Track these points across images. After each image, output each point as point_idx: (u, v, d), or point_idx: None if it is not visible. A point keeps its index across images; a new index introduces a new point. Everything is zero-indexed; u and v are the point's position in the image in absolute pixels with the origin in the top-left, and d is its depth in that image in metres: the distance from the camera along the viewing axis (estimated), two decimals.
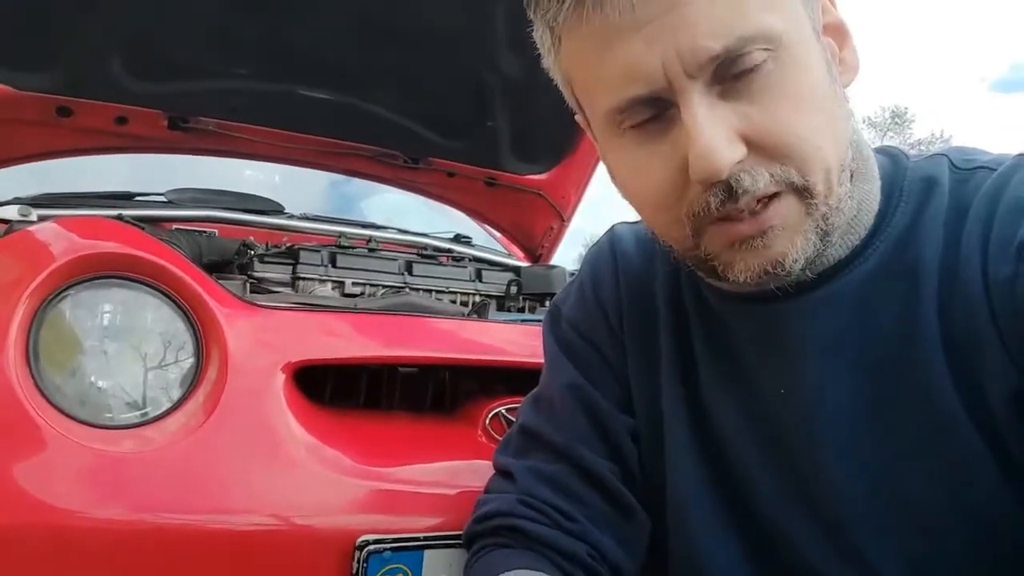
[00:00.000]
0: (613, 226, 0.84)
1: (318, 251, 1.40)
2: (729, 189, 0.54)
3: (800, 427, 0.64)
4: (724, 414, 0.70)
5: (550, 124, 1.81)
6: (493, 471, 0.79)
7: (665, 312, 0.74)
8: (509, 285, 1.56)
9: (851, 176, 0.61)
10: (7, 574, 0.73)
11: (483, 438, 0.99)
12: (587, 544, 0.71)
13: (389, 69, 1.73)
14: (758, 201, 0.55)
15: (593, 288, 0.80)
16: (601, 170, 0.69)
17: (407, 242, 1.77)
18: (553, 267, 1.69)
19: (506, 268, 1.73)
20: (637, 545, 0.75)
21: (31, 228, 0.97)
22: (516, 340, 1.06)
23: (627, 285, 0.78)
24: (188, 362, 0.89)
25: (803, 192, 0.56)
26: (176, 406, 0.86)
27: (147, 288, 0.90)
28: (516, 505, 0.72)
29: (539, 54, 0.64)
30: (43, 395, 0.80)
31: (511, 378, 1.05)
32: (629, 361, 0.77)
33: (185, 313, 0.90)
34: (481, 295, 1.52)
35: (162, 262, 0.91)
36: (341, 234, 1.58)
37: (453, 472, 0.92)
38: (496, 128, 1.88)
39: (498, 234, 2.27)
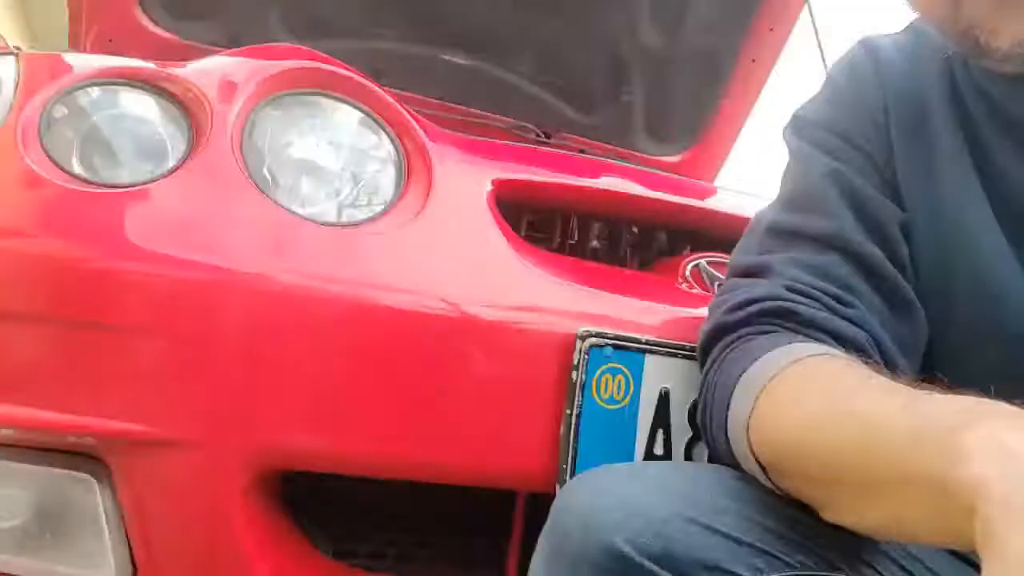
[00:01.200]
0: (861, 39, 0.79)
1: None
2: None
3: None
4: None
5: (687, 103, 1.80)
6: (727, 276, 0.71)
7: (940, 105, 0.68)
8: None
9: None
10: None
11: (684, 286, 0.92)
12: (867, 334, 0.62)
13: (528, 35, 1.75)
14: None
15: (851, 89, 0.73)
16: None
17: None
18: None
19: None
20: (916, 347, 0.66)
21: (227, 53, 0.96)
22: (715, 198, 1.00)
23: (892, 85, 0.71)
24: (391, 173, 0.86)
25: None
26: (388, 207, 0.82)
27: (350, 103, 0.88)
28: (782, 290, 0.63)
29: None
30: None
31: (703, 238, 0.99)
32: (897, 157, 0.69)
33: (387, 132, 0.88)
34: None
35: (367, 83, 0.90)
36: None
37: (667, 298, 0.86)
38: (631, 104, 1.87)
39: None
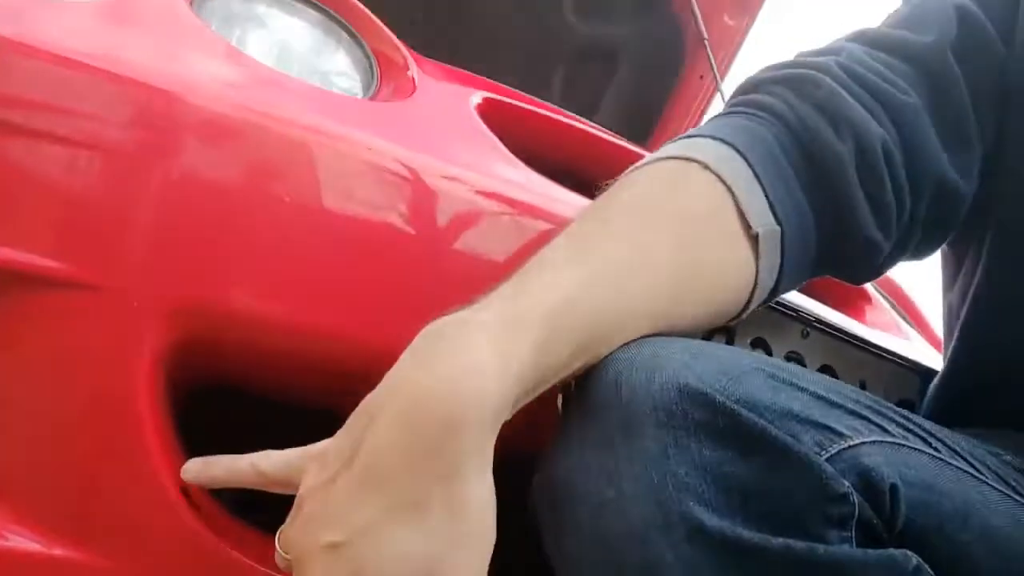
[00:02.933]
0: None
1: None
2: None
3: None
4: None
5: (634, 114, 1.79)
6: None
7: None
8: None
9: None
10: None
11: None
12: (896, 137, 0.55)
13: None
14: None
15: None
16: None
17: None
18: None
19: None
20: (968, 175, 0.60)
21: None
22: None
23: None
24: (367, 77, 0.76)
25: None
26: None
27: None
28: (832, 64, 0.55)
29: None
30: None
31: None
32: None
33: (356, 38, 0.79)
34: None
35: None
36: None
37: None
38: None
39: None
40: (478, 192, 0.62)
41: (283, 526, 0.42)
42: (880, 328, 0.98)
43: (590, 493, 0.40)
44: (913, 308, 1.26)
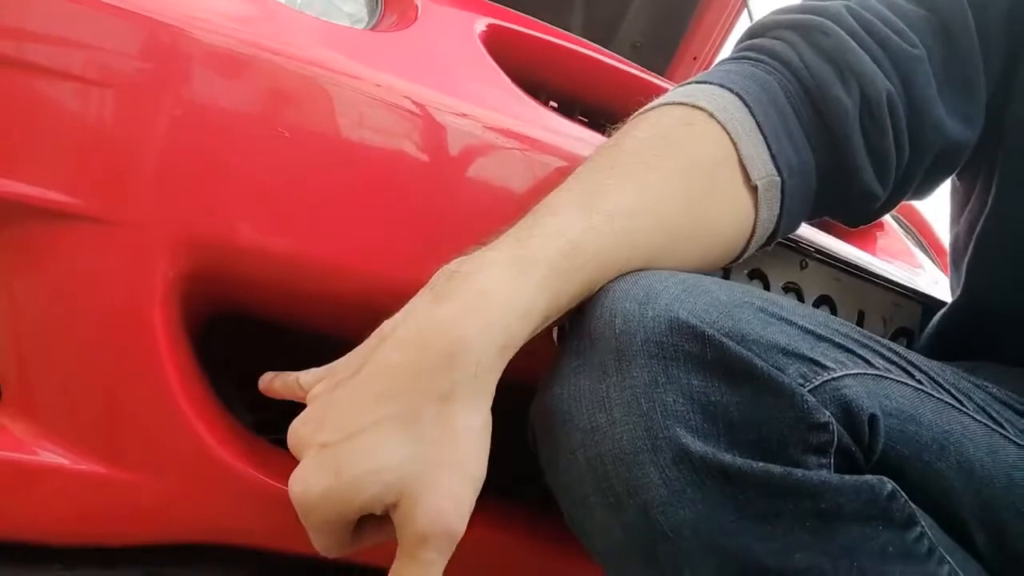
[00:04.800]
0: None
1: None
2: None
3: None
4: None
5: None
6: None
7: None
8: None
9: None
10: None
11: None
12: (899, 87, 0.56)
13: None
14: None
15: None
16: None
17: None
18: None
19: None
20: (971, 122, 0.60)
21: None
22: None
23: None
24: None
25: None
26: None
27: None
28: (841, 9, 0.56)
29: None
30: None
31: None
32: None
33: None
34: None
35: None
36: None
37: None
38: None
39: None
40: (479, 126, 0.63)
41: (291, 423, 0.44)
42: (892, 256, 0.98)
43: (583, 418, 0.42)
44: (932, 236, 1.25)
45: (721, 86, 0.52)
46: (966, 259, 0.69)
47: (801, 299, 0.72)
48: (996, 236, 0.66)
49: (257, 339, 0.70)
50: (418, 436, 0.39)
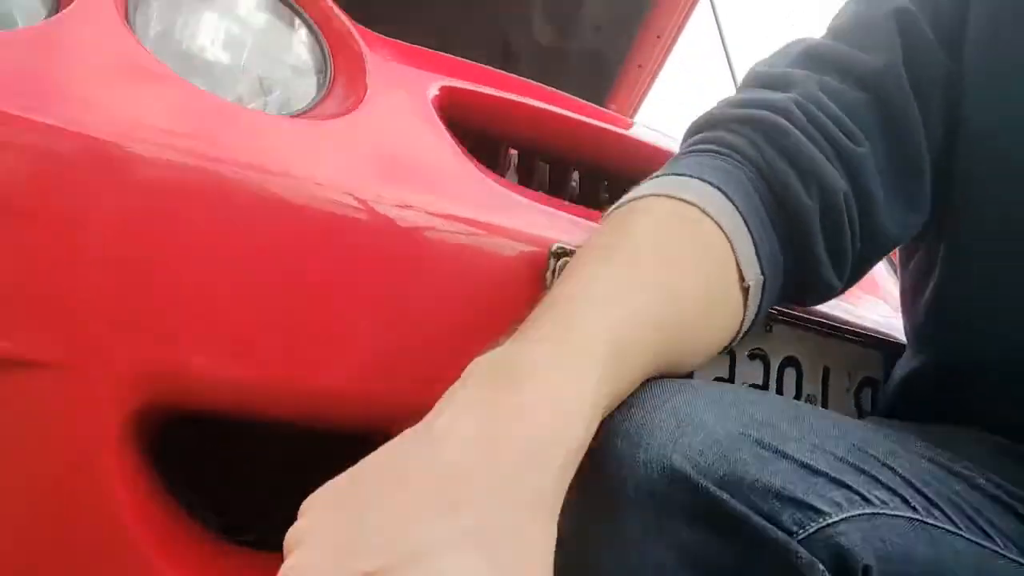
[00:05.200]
0: None
1: None
2: None
3: None
4: None
5: None
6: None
7: None
8: None
9: None
10: None
11: None
12: (853, 186, 0.57)
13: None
14: None
15: None
16: None
17: None
18: None
19: None
20: (917, 208, 0.62)
21: None
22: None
23: None
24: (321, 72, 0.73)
25: None
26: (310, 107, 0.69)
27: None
28: (791, 104, 0.56)
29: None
30: None
31: None
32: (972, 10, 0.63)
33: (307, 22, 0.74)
34: None
35: None
36: None
37: None
38: None
39: None
40: (436, 219, 0.62)
41: (286, 567, 0.35)
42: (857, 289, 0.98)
43: (573, 556, 0.40)
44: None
45: (702, 180, 0.53)
46: (922, 317, 0.70)
47: (767, 365, 0.72)
48: (956, 301, 0.66)
49: (221, 438, 0.69)
50: (498, 553, 0.33)
